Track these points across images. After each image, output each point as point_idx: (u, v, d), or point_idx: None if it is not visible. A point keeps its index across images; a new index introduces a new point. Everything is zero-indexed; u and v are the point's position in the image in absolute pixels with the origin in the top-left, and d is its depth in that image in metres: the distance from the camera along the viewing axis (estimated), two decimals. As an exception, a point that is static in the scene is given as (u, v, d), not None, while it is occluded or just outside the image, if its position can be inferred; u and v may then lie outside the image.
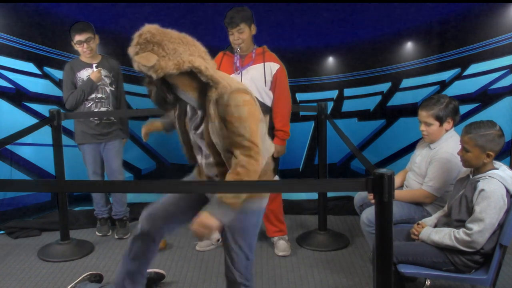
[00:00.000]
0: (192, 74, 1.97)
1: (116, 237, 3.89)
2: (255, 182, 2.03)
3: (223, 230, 2.25)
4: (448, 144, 2.90)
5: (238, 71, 3.32)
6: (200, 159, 2.25)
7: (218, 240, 3.21)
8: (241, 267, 2.26)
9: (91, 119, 3.74)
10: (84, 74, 3.71)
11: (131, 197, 4.20)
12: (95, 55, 3.75)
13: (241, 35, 3.28)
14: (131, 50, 1.96)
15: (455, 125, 2.97)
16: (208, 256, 3.51)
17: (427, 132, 2.96)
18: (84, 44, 3.62)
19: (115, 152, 3.82)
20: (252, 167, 2.01)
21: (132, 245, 2.39)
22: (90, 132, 3.75)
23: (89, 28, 3.64)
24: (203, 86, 2.02)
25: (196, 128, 2.15)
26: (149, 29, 1.94)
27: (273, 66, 3.35)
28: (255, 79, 3.31)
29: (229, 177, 2.04)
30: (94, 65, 3.72)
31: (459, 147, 2.59)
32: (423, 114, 2.94)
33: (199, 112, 2.12)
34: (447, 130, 2.94)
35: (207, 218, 2.00)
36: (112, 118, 3.78)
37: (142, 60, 1.90)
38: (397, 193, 2.86)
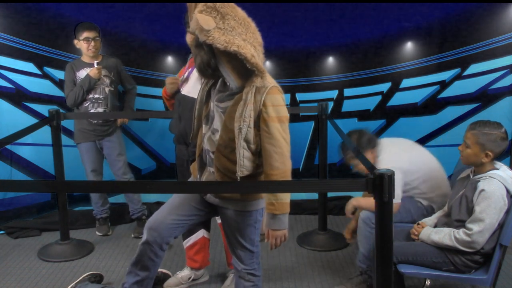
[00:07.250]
0: (238, 57, 1.97)
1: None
2: (254, 183, 2.05)
3: (224, 230, 2.34)
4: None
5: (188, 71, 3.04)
6: (205, 129, 2.25)
7: (189, 279, 3.15)
8: (246, 260, 2.32)
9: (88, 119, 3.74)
10: (83, 74, 3.72)
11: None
12: (96, 56, 3.76)
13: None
14: (198, 7, 1.96)
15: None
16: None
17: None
18: (91, 41, 3.65)
19: (115, 150, 3.79)
20: (283, 165, 2.24)
21: (139, 254, 2.37)
22: (87, 129, 3.74)
23: (97, 28, 3.71)
24: (247, 71, 2.02)
25: (220, 101, 2.15)
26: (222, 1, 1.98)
27: None
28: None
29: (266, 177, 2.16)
30: (95, 62, 3.73)
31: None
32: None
33: (230, 89, 2.12)
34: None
35: (270, 233, 2.17)
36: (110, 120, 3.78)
37: (202, 20, 1.91)
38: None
